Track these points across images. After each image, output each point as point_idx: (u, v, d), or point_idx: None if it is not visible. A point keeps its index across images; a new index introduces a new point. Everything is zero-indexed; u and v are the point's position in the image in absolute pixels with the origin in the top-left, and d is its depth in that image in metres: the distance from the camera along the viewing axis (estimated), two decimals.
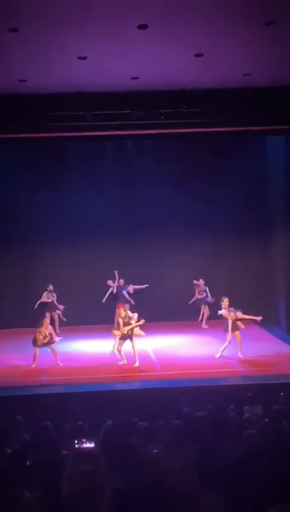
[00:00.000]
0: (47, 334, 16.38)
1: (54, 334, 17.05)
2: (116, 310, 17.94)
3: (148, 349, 18.11)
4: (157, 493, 6.09)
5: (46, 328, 16.47)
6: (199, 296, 21.50)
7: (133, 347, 16.37)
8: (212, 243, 22.58)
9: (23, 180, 21.94)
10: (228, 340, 16.67)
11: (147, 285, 21.33)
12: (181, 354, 17.50)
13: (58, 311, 20.69)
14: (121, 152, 22.68)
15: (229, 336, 16.65)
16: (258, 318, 16.89)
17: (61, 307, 20.64)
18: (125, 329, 16.29)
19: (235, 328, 16.70)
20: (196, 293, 21.58)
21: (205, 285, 21.55)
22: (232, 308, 16.83)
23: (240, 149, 22.25)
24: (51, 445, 8.78)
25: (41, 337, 16.26)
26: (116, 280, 21.21)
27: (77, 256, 22.32)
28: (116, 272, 21.25)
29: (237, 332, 16.75)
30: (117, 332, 16.61)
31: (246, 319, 16.89)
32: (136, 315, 16.51)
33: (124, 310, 16.64)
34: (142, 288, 21.25)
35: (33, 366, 16.19)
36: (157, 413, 11.03)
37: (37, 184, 21.93)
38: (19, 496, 5.96)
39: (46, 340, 16.31)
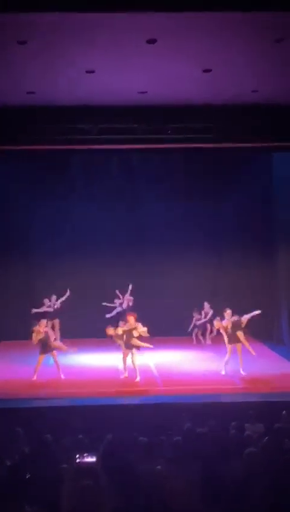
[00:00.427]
0: (42, 330, 16.25)
1: (57, 341, 16.97)
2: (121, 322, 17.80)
3: (150, 364, 18.04)
4: (156, 510, 6.03)
5: (42, 327, 16.34)
6: (198, 323, 21.38)
7: (133, 361, 16.28)
8: (216, 258, 22.57)
9: (27, 192, 22.03)
10: (227, 353, 16.60)
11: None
12: (183, 370, 17.43)
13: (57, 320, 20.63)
14: (126, 166, 22.71)
15: (227, 348, 16.58)
16: (257, 312, 16.78)
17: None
18: (120, 330, 16.22)
19: (233, 339, 16.59)
20: (194, 320, 21.46)
21: (211, 308, 21.28)
22: (234, 317, 16.75)
23: (246, 165, 22.27)
24: (51, 458, 8.72)
25: (35, 334, 16.14)
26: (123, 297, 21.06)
27: (79, 269, 22.31)
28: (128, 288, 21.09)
29: (238, 345, 16.63)
30: (110, 331, 16.53)
31: (244, 321, 16.71)
32: (146, 329, 16.35)
33: (134, 319, 16.43)
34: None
35: (34, 378, 16.12)
36: (158, 429, 10.96)
37: (41, 196, 22.01)
38: (18, 509, 5.90)
39: (41, 336, 16.15)
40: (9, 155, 20.01)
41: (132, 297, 20.80)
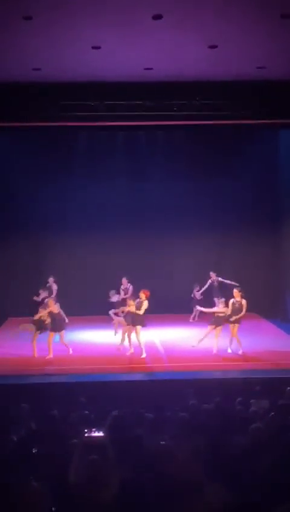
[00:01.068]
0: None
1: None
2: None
3: (155, 340, 18.11)
4: (162, 484, 6.09)
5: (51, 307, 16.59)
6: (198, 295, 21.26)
7: (138, 339, 16.32)
8: (222, 235, 22.55)
9: (32, 170, 21.99)
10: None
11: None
12: (189, 347, 17.47)
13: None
14: (132, 143, 22.66)
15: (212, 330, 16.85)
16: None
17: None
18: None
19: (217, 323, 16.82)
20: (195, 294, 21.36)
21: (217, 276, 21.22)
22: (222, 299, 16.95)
23: (251, 142, 22.23)
24: (57, 434, 8.79)
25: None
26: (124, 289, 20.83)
27: (85, 247, 22.38)
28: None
29: (218, 329, 16.83)
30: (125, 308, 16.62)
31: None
32: (133, 306, 16.46)
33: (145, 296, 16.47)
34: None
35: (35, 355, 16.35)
36: (163, 405, 11.02)
37: (46, 174, 21.97)
38: (25, 484, 5.96)
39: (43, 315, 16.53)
40: (14, 132, 20.02)
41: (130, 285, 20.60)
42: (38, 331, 16.50)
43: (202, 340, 16.94)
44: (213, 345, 16.66)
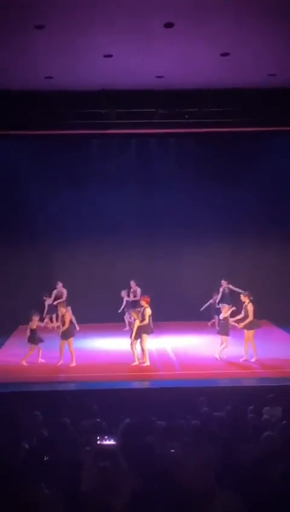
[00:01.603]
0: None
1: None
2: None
3: (167, 348, 18.08)
4: (173, 492, 6.08)
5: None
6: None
7: (142, 346, 16.22)
8: (232, 243, 22.52)
9: (42, 178, 22.00)
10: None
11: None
12: (201, 354, 17.43)
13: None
14: (143, 151, 22.67)
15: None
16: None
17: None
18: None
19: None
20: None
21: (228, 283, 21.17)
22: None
23: (262, 150, 22.19)
24: (69, 441, 8.78)
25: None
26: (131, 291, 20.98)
27: (95, 255, 22.38)
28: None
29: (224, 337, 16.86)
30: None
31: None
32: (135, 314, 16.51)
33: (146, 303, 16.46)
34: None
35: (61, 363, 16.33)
36: (175, 413, 11.01)
37: (57, 182, 22.01)
38: (37, 491, 5.97)
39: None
40: (26, 140, 20.11)
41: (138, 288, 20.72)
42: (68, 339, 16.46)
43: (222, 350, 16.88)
44: (217, 351, 16.69)
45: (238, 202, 22.38)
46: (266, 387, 14.07)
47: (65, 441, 8.88)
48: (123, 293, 20.77)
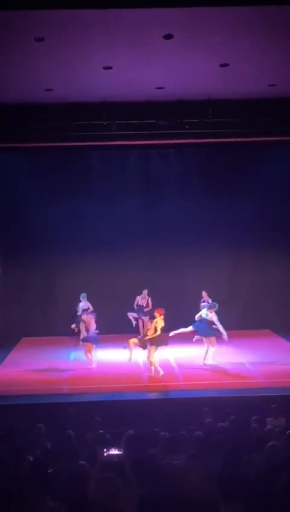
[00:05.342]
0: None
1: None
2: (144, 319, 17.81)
3: (170, 359, 18.05)
4: (177, 504, 6.05)
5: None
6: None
7: (149, 357, 16.21)
8: (235, 254, 22.53)
9: (44, 190, 22.02)
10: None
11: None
12: (203, 364, 17.39)
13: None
14: (144, 163, 22.72)
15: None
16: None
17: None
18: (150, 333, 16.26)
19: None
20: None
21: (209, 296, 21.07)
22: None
23: (264, 160, 22.22)
24: (73, 453, 8.76)
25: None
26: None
27: (97, 267, 22.36)
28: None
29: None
30: (133, 341, 16.56)
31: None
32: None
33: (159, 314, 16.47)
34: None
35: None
36: (179, 424, 10.98)
37: (59, 194, 22.03)
38: (41, 504, 5.94)
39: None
40: (27, 152, 20.15)
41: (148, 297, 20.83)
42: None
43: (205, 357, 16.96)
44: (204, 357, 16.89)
45: (239, 212, 22.37)
46: (269, 397, 14.04)
47: (69, 453, 8.87)
48: (138, 298, 20.96)
